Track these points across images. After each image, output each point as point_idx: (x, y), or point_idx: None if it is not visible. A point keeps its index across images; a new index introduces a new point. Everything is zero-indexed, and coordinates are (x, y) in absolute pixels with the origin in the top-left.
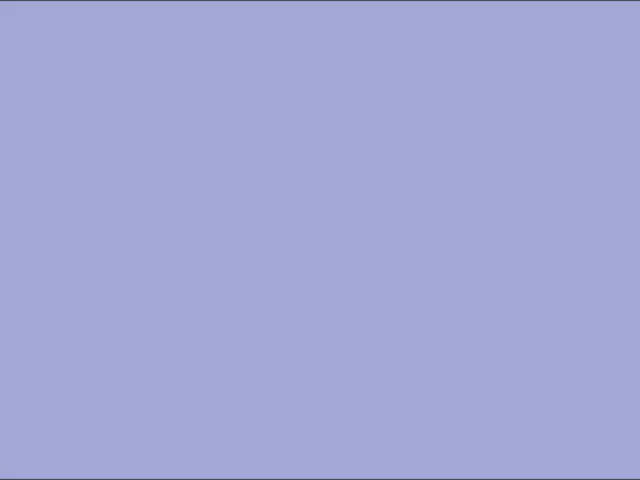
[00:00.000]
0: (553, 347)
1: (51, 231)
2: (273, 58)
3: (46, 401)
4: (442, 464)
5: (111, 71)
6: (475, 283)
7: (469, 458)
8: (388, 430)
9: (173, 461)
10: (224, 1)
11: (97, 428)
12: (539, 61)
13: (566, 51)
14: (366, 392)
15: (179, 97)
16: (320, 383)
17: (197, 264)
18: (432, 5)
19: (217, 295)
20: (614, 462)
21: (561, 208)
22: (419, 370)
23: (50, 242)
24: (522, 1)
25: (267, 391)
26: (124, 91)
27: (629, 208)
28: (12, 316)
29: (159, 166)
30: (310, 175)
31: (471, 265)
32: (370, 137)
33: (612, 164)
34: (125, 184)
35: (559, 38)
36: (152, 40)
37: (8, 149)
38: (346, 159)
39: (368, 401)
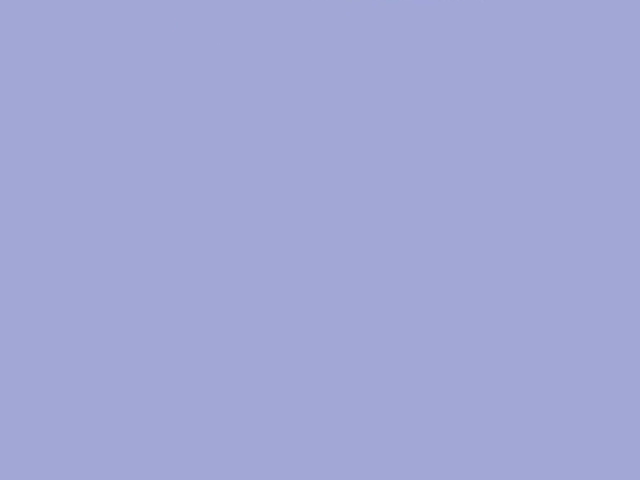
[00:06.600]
0: (553, 347)
1: (51, 231)
2: (273, 57)
3: (45, 401)
4: (442, 465)
5: (109, 68)
6: (475, 283)
7: (469, 459)
8: (388, 430)
9: (173, 462)
10: None
11: (96, 428)
12: (538, 60)
13: (566, 50)
14: (366, 392)
15: (179, 96)
16: (320, 383)
17: (197, 264)
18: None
19: (217, 295)
20: (614, 464)
21: (561, 208)
22: (419, 370)
23: (50, 242)
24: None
25: (267, 391)
26: (123, 89)
27: (629, 208)
28: (12, 316)
29: (159, 166)
30: (310, 175)
31: (471, 265)
32: (370, 137)
33: (612, 164)
34: (124, 184)
35: (559, 36)
36: (151, 38)
37: (3, 148)
38: (346, 159)
39: (368, 401)
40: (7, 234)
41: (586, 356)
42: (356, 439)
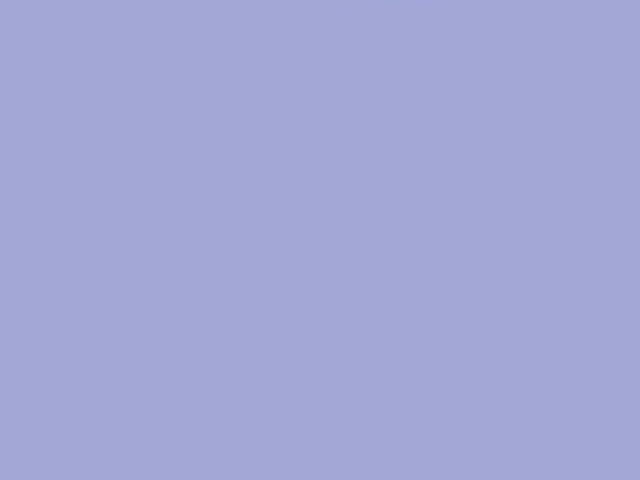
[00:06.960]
0: (553, 347)
1: (51, 231)
2: (273, 57)
3: (45, 401)
4: (442, 464)
5: (109, 69)
6: (475, 284)
7: (469, 459)
8: (388, 430)
9: (172, 462)
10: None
11: (96, 428)
12: (538, 60)
13: (566, 50)
14: (366, 392)
15: (179, 96)
16: (320, 383)
17: (197, 264)
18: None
19: (217, 295)
20: (614, 464)
21: (561, 208)
22: (420, 370)
23: (50, 242)
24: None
25: (267, 391)
26: (123, 90)
27: (629, 208)
28: (12, 316)
29: (159, 166)
30: (310, 175)
31: (471, 266)
32: (370, 137)
33: (612, 164)
34: (125, 184)
35: (559, 36)
36: (152, 38)
37: (4, 148)
38: (345, 159)
39: (368, 401)
40: (7, 234)
41: (586, 355)
42: (356, 439)
